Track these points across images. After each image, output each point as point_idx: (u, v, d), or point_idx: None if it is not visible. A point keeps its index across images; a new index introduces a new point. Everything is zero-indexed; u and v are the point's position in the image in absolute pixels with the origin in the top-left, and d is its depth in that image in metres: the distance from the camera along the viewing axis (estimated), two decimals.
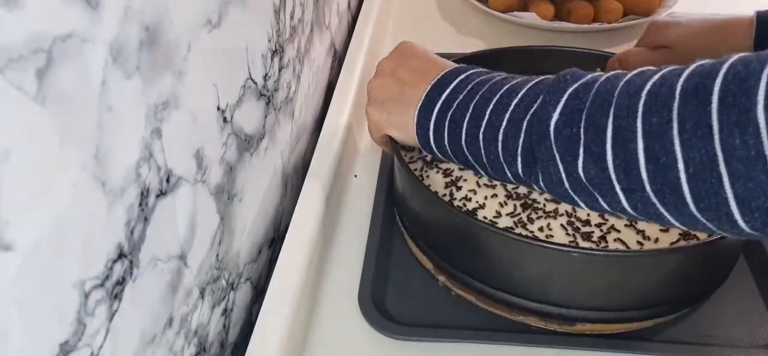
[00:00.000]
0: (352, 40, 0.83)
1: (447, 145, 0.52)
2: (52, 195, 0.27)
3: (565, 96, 0.43)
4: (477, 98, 0.50)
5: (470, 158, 0.51)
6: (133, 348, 0.35)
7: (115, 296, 0.33)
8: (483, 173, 0.52)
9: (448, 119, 0.51)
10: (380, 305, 0.53)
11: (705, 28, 0.68)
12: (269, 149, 0.57)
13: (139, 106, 0.34)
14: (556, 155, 0.42)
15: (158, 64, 0.35)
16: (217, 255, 0.46)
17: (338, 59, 0.85)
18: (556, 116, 0.43)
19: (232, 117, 0.47)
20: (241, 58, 0.49)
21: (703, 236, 0.52)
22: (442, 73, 0.54)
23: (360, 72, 0.77)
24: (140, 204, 0.34)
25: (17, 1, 0.24)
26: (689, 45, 0.68)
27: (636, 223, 0.52)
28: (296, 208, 0.58)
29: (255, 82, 0.52)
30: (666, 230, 0.52)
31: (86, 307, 0.30)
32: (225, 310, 0.49)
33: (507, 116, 0.47)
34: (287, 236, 0.55)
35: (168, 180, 0.37)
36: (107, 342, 0.32)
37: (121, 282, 0.33)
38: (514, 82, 0.49)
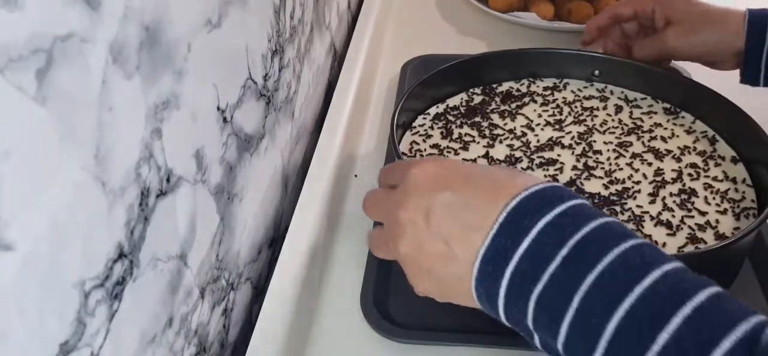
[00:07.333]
0: (352, 40, 0.83)
1: (530, 322, 0.36)
2: (52, 195, 0.27)
3: None
4: (596, 273, 0.33)
5: None
6: (133, 347, 0.35)
7: (116, 296, 0.33)
8: None
9: (534, 294, 0.35)
10: (382, 307, 0.53)
11: (702, 20, 0.67)
12: (269, 149, 0.57)
13: (139, 106, 0.34)
14: None
15: (158, 64, 0.35)
16: (217, 255, 0.46)
17: (338, 59, 0.85)
18: None
19: (232, 117, 0.47)
20: (241, 58, 0.49)
21: (709, 240, 0.51)
22: (515, 201, 0.37)
23: (360, 72, 0.77)
24: (140, 204, 0.34)
25: (17, 1, 0.24)
26: (686, 31, 0.67)
27: (642, 227, 0.52)
28: (296, 208, 0.58)
29: (255, 82, 0.52)
30: (673, 235, 0.52)
31: (86, 307, 0.30)
32: (225, 310, 0.49)
33: (660, 342, 0.31)
34: (287, 236, 0.55)
35: (168, 180, 0.37)
36: (107, 342, 0.32)
37: (121, 282, 0.33)
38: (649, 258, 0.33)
